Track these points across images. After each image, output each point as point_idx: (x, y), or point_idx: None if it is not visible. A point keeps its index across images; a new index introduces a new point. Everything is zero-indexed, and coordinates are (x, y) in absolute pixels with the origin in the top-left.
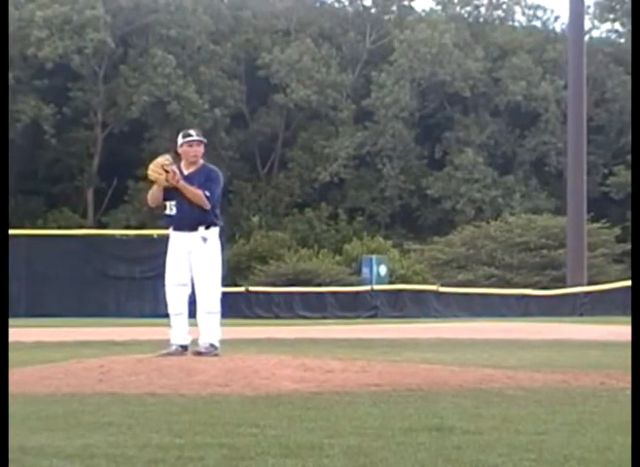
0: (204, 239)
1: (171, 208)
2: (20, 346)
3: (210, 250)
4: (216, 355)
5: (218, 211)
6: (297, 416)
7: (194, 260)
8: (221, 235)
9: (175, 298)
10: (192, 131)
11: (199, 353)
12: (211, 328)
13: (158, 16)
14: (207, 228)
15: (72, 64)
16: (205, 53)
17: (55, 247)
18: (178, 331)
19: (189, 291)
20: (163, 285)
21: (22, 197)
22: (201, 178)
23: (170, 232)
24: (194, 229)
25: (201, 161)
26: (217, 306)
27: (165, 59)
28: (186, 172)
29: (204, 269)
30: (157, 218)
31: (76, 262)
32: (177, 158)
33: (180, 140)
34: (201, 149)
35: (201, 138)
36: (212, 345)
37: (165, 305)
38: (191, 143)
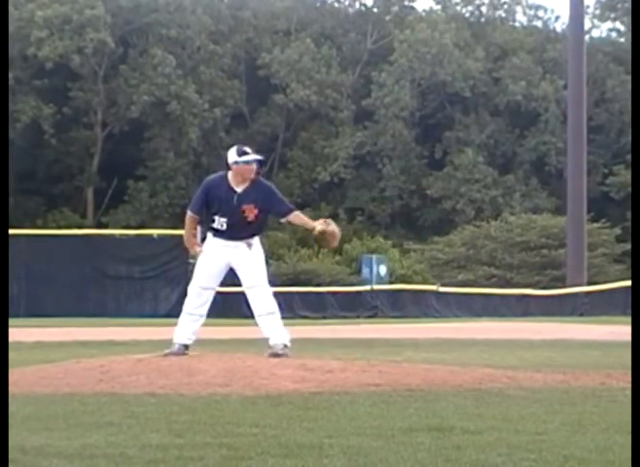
0: (249, 245)
1: (222, 224)
2: (20, 346)
3: (256, 255)
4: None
5: None
6: (297, 416)
7: (240, 266)
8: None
9: (201, 300)
10: (247, 149)
11: (277, 355)
12: (279, 328)
13: (157, 15)
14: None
15: (72, 64)
16: (205, 53)
17: (55, 247)
18: (185, 330)
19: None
20: (163, 285)
21: (22, 197)
22: (259, 195)
23: (211, 238)
24: (243, 239)
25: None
26: (275, 306)
27: (165, 59)
28: (239, 190)
29: (254, 272)
30: (156, 218)
31: (76, 262)
32: (226, 169)
33: (235, 158)
34: (256, 167)
35: (259, 157)
36: (285, 346)
37: (175, 305)
38: (248, 162)
